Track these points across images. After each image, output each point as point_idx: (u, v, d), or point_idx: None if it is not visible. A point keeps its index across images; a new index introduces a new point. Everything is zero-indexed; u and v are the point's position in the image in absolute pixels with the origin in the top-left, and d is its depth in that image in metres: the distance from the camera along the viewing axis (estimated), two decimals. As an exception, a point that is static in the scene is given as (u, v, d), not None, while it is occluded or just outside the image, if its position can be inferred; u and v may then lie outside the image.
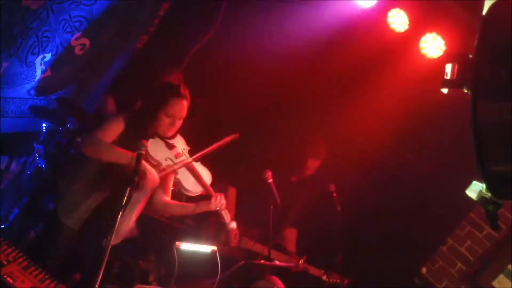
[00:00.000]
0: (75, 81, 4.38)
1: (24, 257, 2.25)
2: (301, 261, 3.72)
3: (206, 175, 3.02)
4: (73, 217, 2.76)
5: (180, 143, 3.01)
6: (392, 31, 4.00)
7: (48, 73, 4.03)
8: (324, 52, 4.44)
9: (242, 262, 3.36)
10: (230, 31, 4.68)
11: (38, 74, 3.94)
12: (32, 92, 4.03)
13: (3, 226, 3.66)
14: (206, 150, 2.97)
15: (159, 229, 4.34)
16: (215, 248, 3.08)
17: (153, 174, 2.65)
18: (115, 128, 2.76)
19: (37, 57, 3.80)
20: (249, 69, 4.68)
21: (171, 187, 3.05)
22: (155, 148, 2.81)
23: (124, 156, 2.60)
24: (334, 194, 3.89)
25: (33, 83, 3.97)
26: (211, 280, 3.01)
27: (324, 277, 3.86)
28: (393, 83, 4.16)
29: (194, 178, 2.94)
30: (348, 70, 4.36)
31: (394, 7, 3.94)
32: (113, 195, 2.74)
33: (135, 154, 2.49)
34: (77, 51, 4.13)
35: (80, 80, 4.42)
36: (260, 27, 4.44)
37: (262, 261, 3.70)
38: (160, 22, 4.91)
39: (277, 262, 3.72)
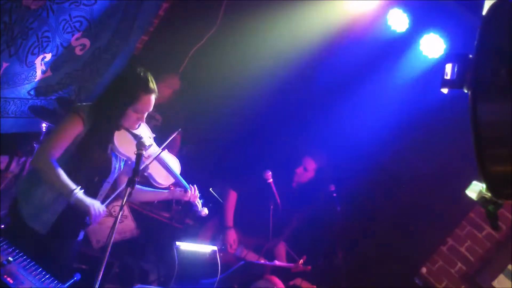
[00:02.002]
0: (75, 81, 4.38)
1: (24, 257, 2.25)
2: (301, 261, 3.72)
3: (176, 165, 2.93)
4: (41, 221, 2.63)
5: (145, 132, 2.85)
6: (392, 31, 4.00)
7: (48, 73, 4.03)
8: (324, 51, 4.45)
9: (242, 262, 3.35)
10: (230, 31, 4.68)
11: (38, 74, 3.94)
12: (32, 92, 4.03)
13: (3, 226, 3.65)
14: (171, 137, 2.83)
15: (159, 229, 4.34)
16: (215, 248, 3.08)
17: (96, 209, 2.53)
18: (71, 132, 2.59)
19: (37, 57, 3.79)
20: (249, 68, 4.68)
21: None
22: (122, 142, 2.64)
23: (64, 189, 2.51)
24: (334, 194, 3.89)
25: (33, 83, 3.97)
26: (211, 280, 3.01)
27: None
28: (393, 83, 4.17)
29: (166, 170, 2.85)
30: (348, 70, 4.37)
31: (394, 7, 3.94)
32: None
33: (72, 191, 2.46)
34: (77, 51, 4.13)
35: (80, 80, 4.42)
36: (259, 27, 4.45)
37: (262, 261, 3.69)
38: (160, 22, 4.92)
39: (277, 262, 3.72)
